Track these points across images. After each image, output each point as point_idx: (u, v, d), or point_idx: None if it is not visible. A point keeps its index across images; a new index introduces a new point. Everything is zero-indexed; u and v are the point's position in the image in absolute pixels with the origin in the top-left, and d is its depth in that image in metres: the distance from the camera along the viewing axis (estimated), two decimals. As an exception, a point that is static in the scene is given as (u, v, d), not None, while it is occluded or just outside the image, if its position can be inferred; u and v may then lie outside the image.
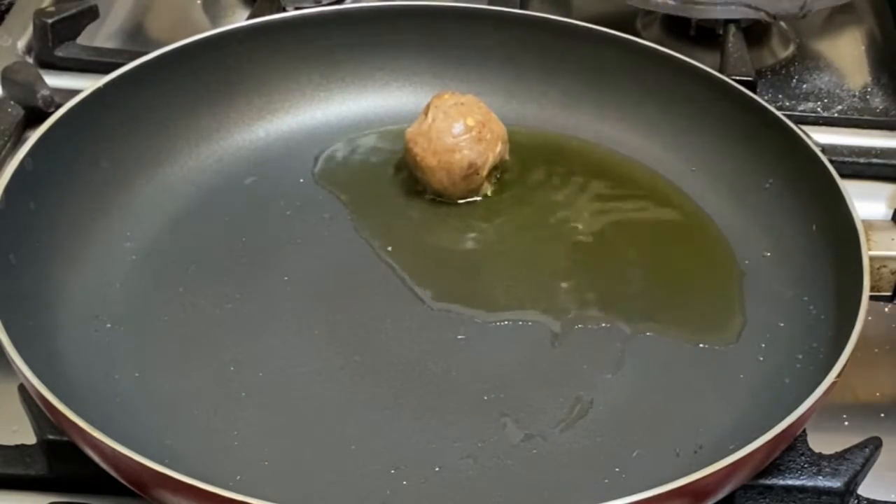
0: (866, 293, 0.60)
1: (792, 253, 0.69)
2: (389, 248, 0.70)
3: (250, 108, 0.77)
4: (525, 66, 0.80)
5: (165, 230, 0.70)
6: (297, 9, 0.80)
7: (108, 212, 0.69)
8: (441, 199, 0.74)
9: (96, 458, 0.54)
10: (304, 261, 0.69)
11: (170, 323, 0.65)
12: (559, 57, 0.79)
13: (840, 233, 0.65)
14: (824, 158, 0.69)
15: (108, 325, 0.64)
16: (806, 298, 0.66)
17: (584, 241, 0.72)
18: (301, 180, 0.75)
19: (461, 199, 0.74)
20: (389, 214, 0.73)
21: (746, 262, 0.70)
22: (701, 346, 0.65)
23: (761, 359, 0.64)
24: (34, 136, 0.66)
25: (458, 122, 0.72)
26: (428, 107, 0.73)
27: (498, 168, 0.75)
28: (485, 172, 0.73)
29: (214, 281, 0.68)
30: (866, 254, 0.62)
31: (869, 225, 0.65)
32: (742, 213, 0.73)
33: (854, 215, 0.65)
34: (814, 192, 0.69)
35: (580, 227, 0.73)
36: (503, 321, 0.66)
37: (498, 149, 0.73)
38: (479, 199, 0.74)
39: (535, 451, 0.59)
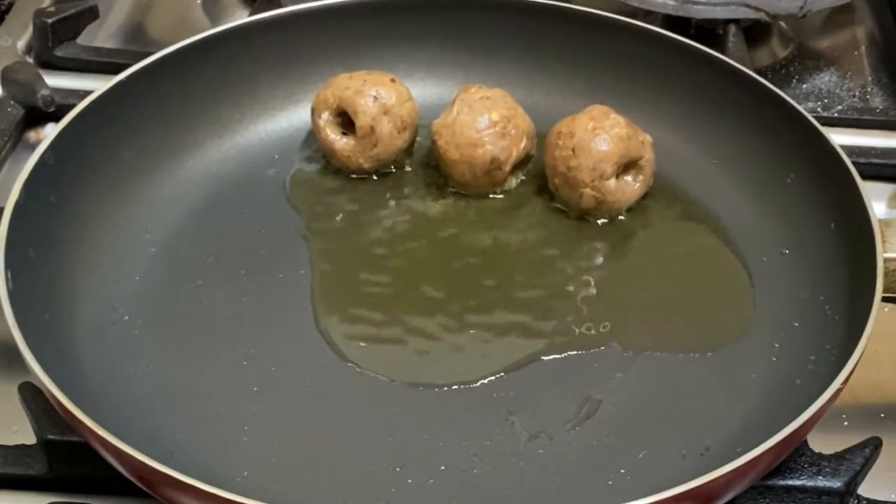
0: (878, 296, 0.60)
1: (810, 251, 0.68)
2: (405, 241, 0.71)
3: (273, 100, 0.77)
4: (549, 57, 0.79)
5: (186, 222, 0.71)
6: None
7: (129, 204, 0.70)
8: (463, 192, 0.74)
9: (106, 456, 0.55)
10: (322, 254, 0.69)
11: (187, 316, 0.66)
12: (582, 48, 0.78)
13: (856, 232, 0.65)
14: (844, 155, 0.68)
15: (126, 318, 0.65)
16: (822, 298, 0.65)
17: (604, 235, 0.72)
18: None
19: (484, 192, 0.73)
20: (409, 206, 0.73)
21: (764, 258, 0.70)
22: (714, 341, 0.65)
23: (774, 359, 0.64)
24: (55, 130, 0.67)
25: (483, 117, 0.72)
26: (454, 99, 0.73)
27: (524, 163, 0.75)
28: (508, 168, 0.72)
29: (232, 274, 0.68)
30: (881, 255, 0.62)
31: (886, 225, 0.64)
32: (762, 209, 0.72)
33: (871, 215, 0.64)
34: (833, 189, 0.68)
35: (601, 221, 0.72)
36: (516, 318, 0.66)
37: (523, 144, 0.73)
38: (503, 193, 0.74)
39: (541, 451, 0.60)
